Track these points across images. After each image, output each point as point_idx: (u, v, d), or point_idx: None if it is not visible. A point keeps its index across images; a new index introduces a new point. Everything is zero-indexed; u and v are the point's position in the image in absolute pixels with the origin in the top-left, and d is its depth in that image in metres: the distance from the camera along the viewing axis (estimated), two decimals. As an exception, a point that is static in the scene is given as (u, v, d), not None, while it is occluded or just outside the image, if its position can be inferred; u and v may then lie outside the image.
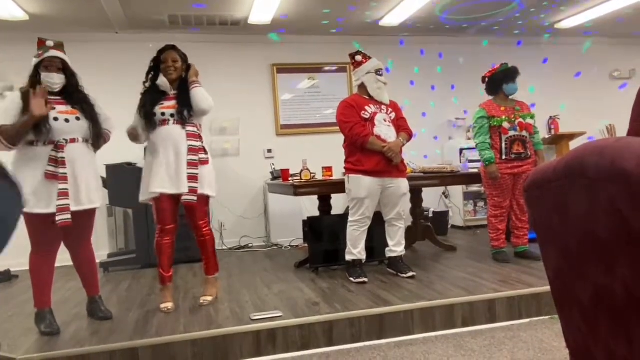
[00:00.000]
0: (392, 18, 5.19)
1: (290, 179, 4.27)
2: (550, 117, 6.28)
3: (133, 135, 3.02)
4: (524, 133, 3.79)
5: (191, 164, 2.93)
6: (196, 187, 2.93)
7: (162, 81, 2.99)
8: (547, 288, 2.92)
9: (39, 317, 2.73)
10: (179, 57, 3.03)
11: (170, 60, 2.99)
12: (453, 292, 3.05)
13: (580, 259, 0.83)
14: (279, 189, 4.47)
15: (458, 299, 2.92)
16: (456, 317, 2.87)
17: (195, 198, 2.93)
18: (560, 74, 6.36)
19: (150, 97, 3.00)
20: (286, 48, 5.65)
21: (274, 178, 4.96)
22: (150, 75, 3.06)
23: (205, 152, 3.03)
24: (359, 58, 3.62)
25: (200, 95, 2.97)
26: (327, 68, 5.86)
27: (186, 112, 2.96)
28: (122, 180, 4.42)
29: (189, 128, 2.97)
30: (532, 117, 3.87)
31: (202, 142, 3.03)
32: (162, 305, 3.02)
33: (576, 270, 0.85)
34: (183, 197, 2.92)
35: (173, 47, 3.05)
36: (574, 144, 5.74)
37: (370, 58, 3.61)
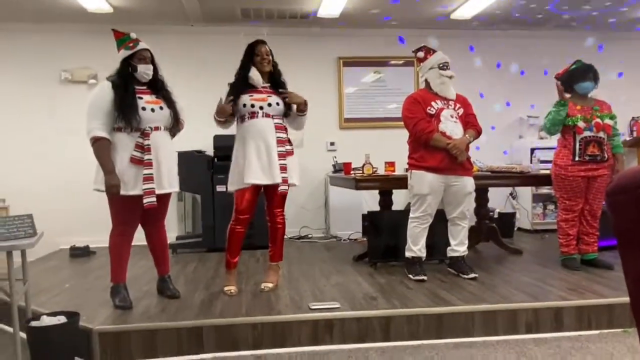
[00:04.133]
0: (464, 11, 5.03)
1: (352, 172, 4.28)
2: (633, 119, 5.88)
3: (221, 116, 3.04)
4: (601, 134, 3.56)
5: (281, 155, 3.04)
6: (287, 177, 3.04)
7: (255, 74, 3.07)
8: (621, 299, 2.79)
9: (115, 291, 2.92)
10: (269, 52, 3.11)
11: (264, 53, 3.08)
12: (517, 297, 2.94)
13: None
14: (340, 182, 4.50)
15: (522, 304, 2.82)
16: (519, 323, 2.77)
17: (287, 188, 3.06)
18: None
19: (239, 88, 3.08)
20: (353, 41, 5.65)
21: (336, 171, 5.00)
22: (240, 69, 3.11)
23: (290, 144, 3.14)
24: (421, 54, 3.55)
25: (303, 123, 3.23)
26: (393, 62, 5.80)
27: (282, 105, 3.06)
28: (192, 167, 4.63)
29: (276, 120, 3.07)
30: (612, 117, 3.63)
31: (287, 134, 3.13)
32: (226, 288, 3.14)
33: (661, 281, 0.80)
34: (280, 188, 3.03)
35: (264, 42, 3.14)
36: (658, 148, 5.35)
37: (434, 52, 3.53)
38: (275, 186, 3.05)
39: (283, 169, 3.03)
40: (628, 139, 5.47)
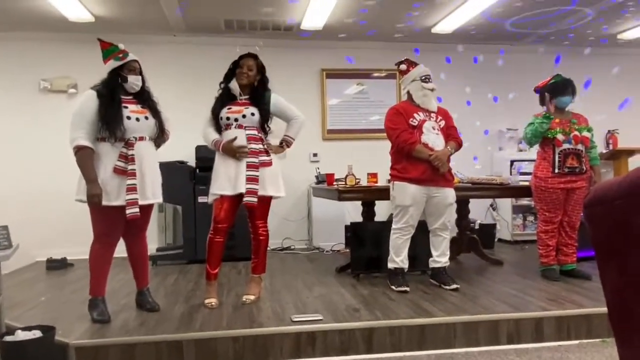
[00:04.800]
0: (446, 25, 5.12)
1: (335, 183, 4.29)
2: (609, 132, 6.02)
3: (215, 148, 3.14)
4: (579, 147, 3.64)
5: (251, 166, 3.02)
6: (255, 189, 3.01)
7: (234, 85, 3.12)
8: (599, 309, 2.83)
9: (93, 304, 2.86)
10: (255, 66, 3.14)
11: (245, 66, 3.11)
12: (498, 308, 2.96)
13: (643, 281, 0.79)
14: (323, 193, 4.50)
15: (503, 315, 2.84)
16: (501, 334, 2.79)
17: (254, 199, 3.01)
18: (622, 87, 6.07)
19: (221, 102, 3.14)
20: (336, 53, 5.69)
21: (319, 182, 4.99)
22: (225, 79, 3.17)
23: (268, 154, 3.12)
24: (403, 67, 3.60)
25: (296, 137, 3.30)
26: (376, 74, 5.85)
27: (257, 115, 3.08)
28: (174, 178, 4.57)
29: (249, 131, 3.07)
30: (590, 130, 3.72)
31: (264, 145, 3.12)
32: (207, 301, 3.10)
33: (637, 291, 0.82)
34: (244, 198, 3.00)
35: (253, 56, 3.16)
36: (633, 161, 5.49)
37: (416, 65, 3.58)
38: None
39: (252, 180, 3.00)
40: (604, 151, 5.60)
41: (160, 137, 2.95)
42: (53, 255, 4.73)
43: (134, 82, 2.83)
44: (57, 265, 4.63)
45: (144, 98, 2.89)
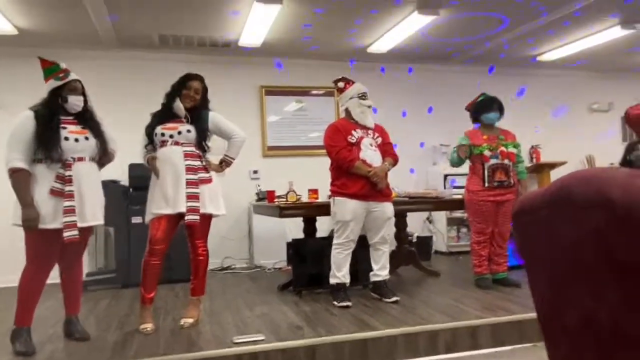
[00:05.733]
0: (381, 45, 5.29)
1: (275, 200, 4.26)
2: (532, 147, 6.42)
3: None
4: (507, 161, 3.85)
5: (190, 183, 2.94)
6: (196, 207, 2.92)
7: (178, 106, 3.03)
8: (530, 315, 2.97)
9: (16, 334, 2.66)
10: (201, 89, 3.09)
11: (193, 89, 3.05)
12: (436, 318, 3.04)
13: (567, 286, 0.84)
14: (264, 210, 4.46)
15: (441, 325, 2.92)
16: (439, 343, 2.86)
17: (197, 217, 2.93)
18: (543, 104, 6.53)
19: (159, 118, 3.06)
20: (275, 71, 5.71)
21: (259, 199, 4.95)
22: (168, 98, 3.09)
23: (207, 171, 3.05)
24: (341, 84, 3.69)
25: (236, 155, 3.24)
26: (314, 92, 5.93)
27: (194, 133, 3.01)
28: (106, 198, 4.34)
29: (186, 148, 3.00)
30: (516, 146, 3.95)
31: (202, 162, 3.05)
32: (142, 326, 2.95)
33: (563, 296, 0.86)
34: (186, 217, 2.90)
35: (200, 78, 3.11)
36: (554, 173, 5.89)
37: (353, 83, 3.67)
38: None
39: (193, 197, 2.94)
40: (529, 165, 5.97)
41: (103, 157, 2.87)
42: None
43: (74, 102, 2.74)
44: (-27, 296, 4.24)
45: (85, 118, 2.80)
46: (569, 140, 6.38)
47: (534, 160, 6.37)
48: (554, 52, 5.77)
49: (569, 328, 0.85)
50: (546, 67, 6.33)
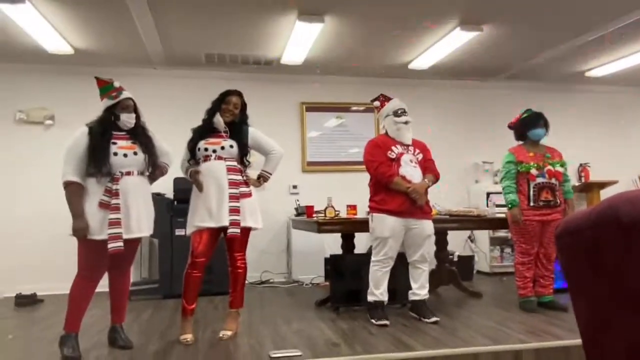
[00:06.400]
0: (422, 61, 5.27)
1: (314, 215, 4.28)
2: (581, 165, 6.19)
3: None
4: (553, 180, 3.72)
5: (232, 197, 3.01)
6: (238, 220, 2.99)
7: (218, 120, 3.14)
8: (576, 341, 2.82)
9: (64, 340, 2.76)
10: (240, 104, 3.20)
11: (232, 104, 3.15)
12: (478, 341, 2.95)
13: (611, 313, 0.81)
14: (302, 225, 4.48)
15: (483, 348, 2.82)
16: (480, 367, 2.77)
17: (238, 230, 2.99)
18: (592, 122, 6.31)
19: (200, 133, 3.16)
20: (316, 87, 5.79)
21: (298, 214, 4.98)
22: (209, 112, 3.20)
23: (247, 185, 3.13)
24: (377, 103, 3.70)
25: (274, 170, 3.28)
26: (355, 108, 5.95)
27: (236, 148, 3.10)
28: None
29: (229, 162, 3.08)
30: (563, 164, 3.82)
31: (243, 176, 3.13)
32: (182, 337, 3.02)
33: (606, 324, 0.83)
34: (228, 230, 2.98)
35: (238, 93, 3.22)
36: (604, 193, 5.64)
37: (389, 100, 3.66)
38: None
39: (234, 211, 3.00)
40: (577, 184, 5.74)
41: (154, 171, 3.00)
42: (22, 290, 4.56)
43: (126, 119, 2.89)
44: (26, 302, 4.45)
45: (136, 133, 2.94)
46: (620, 158, 6.11)
47: (583, 179, 6.12)
48: (603, 68, 5.57)
49: (615, 356, 0.81)
50: (594, 83, 6.12)
